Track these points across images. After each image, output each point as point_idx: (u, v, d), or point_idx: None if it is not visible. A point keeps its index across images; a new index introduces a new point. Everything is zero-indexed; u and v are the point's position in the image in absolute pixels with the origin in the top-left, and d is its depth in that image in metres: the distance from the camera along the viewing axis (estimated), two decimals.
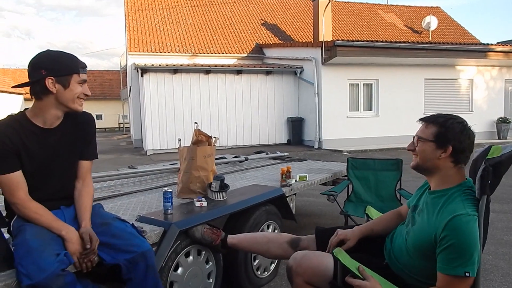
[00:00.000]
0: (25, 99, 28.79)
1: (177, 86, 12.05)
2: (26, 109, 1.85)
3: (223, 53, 15.63)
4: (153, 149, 11.79)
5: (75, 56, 1.84)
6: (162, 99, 11.87)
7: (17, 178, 1.74)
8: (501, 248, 3.53)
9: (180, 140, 2.99)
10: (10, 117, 1.81)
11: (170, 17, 16.99)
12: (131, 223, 1.94)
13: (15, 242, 1.66)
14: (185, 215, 2.36)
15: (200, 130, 2.88)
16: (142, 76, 11.81)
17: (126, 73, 18.10)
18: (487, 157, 1.57)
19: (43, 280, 1.48)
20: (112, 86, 35.31)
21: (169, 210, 2.32)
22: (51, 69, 1.74)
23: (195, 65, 12.58)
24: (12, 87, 2.15)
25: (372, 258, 1.80)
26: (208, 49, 15.65)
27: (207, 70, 12.35)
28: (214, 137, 2.90)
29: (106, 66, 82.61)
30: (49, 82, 1.73)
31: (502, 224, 4.28)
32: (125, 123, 28.68)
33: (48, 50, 1.83)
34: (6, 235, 1.84)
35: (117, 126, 32.27)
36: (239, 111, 12.79)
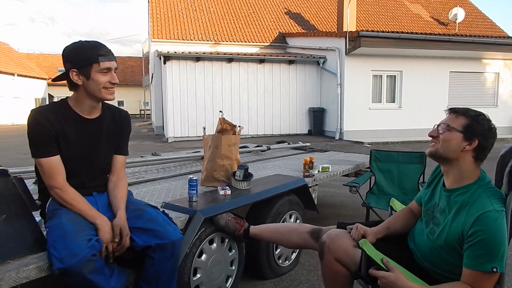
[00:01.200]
0: (49, 85, 29.46)
1: (199, 74, 12.10)
2: (67, 97, 1.90)
3: (245, 42, 15.56)
4: (174, 137, 11.93)
5: (98, 45, 1.83)
6: (184, 86, 11.95)
7: (57, 162, 1.79)
8: None
9: (204, 129, 3.01)
10: (53, 103, 1.87)
11: (194, 4, 16.99)
12: (161, 210, 1.99)
13: (49, 224, 1.72)
14: (210, 203, 2.39)
15: (225, 119, 2.89)
16: (164, 63, 11.90)
17: (148, 60, 18.28)
18: None
19: (74, 264, 1.53)
20: (134, 72, 35.66)
21: (194, 198, 2.36)
22: (73, 62, 1.78)
23: (218, 53, 12.59)
24: (52, 80, 2.20)
25: (397, 249, 1.80)
26: (230, 37, 15.61)
27: (230, 59, 12.35)
28: (239, 126, 2.92)
29: (129, 53, 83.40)
30: (73, 75, 1.79)
31: None
32: (146, 110, 29.03)
33: (75, 42, 1.86)
34: (37, 218, 1.90)
35: (138, 113, 32.68)
36: (260, 101, 12.77)
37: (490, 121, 1.62)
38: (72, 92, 1.88)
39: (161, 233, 1.83)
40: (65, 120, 1.82)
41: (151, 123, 20.27)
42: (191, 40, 14.89)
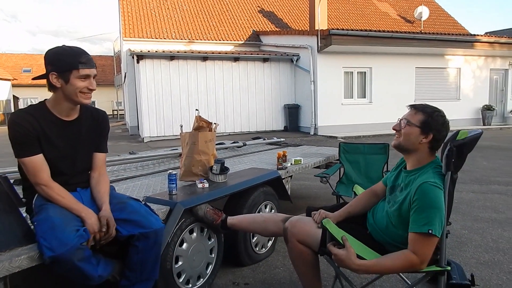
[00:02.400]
0: (13, 86, 28.16)
1: (174, 72, 12.14)
2: (45, 99, 1.99)
3: (219, 40, 15.68)
4: (150, 136, 11.93)
5: (80, 52, 1.91)
6: (159, 85, 11.96)
7: (41, 161, 1.89)
8: (476, 224, 3.86)
9: (181, 126, 3.15)
10: (31, 106, 1.96)
11: (166, 2, 16.92)
12: (143, 203, 2.13)
13: (37, 218, 1.81)
14: (189, 195, 2.54)
15: (201, 116, 3.05)
16: (138, 62, 11.87)
17: (120, 58, 18.07)
18: (454, 139, 1.81)
19: (64, 252, 1.65)
20: (105, 72, 34.51)
21: (173, 191, 2.51)
22: (54, 65, 1.87)
23: (192, 52, 12.66)
24: (32, 79, 2.28)
25: (357, 226, 2.04)
26: (204, 36, 15.67)
27: (204, 57, 12.44)
28: (215, 123, 3.08)
29: (99, 51, 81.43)
30: (53, 78, 1.87)
31: (479, 203, 4.64)
32: (120, 110, 28.51)
33: (59, 46, 1.95)
34: (24, 214, 1.99)
35: (111, 114, 31.92)
36: (236, 98, 12.93)
37: (444, 116, 1.88)
38: (49, 94, 1.97)
39: (144, 223, 1.96)
40: (44, 122, 1.91)
41: (125, 123, 20.05)
42: (165, 38, 14.86)
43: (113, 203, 2.01)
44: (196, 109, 3.35)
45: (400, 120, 1.93)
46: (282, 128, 13.60)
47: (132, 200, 2.10)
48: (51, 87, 1.91)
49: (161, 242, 2.06)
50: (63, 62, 1.87)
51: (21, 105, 27.73)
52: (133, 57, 12.57)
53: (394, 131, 1.95)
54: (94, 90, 1.97)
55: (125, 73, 14.65)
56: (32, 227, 1.85)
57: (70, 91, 1.89)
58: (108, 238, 1.90)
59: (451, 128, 1.89)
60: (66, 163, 2.00)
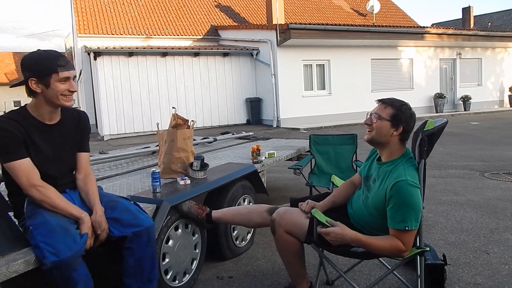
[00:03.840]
0: None
1: (133, 69, 11.89)
2: (26, 104, 1.97)
3: (178, 35, 15.47)
4: (110, 134, 11.64)
5: (57, 55, 1.91)
6: (118, 82, 11.67)
7: (30, 163, 1.87)
8: (440, 207, 4.13)
9: (158, 124, 3.16)
10: (13, 111, 1.93)
11: None
12: (132, 202, 2.15)
13: (32, 222, 1.78)
14: (173, 192, 2.58)
15: (178, 114, 3.07)
16: (95, 59, 11.51)
17: (73, 55, 17.38)
18: (423, 129, 1.97)
19: (70, 257, 1.65)
20: None
21: (157, 189, 2.54)
22: (32, 71, 1.85)
23: (151, 48, 12.41)
24: (10, 87, 2.22)
25: (340, 216, 2.17)
26: (162, 31, 15.40)
27: (164, 53, 12.26)
28: (192, 121, 3.12)
29: (47, 48, 77.26)
30: (32, 83, 1.86)
31: (440, 187, 4.94)
32: (75, 108, 27.34)
33: (34, 51, 1.92)
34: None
35: None
36: (197, 93, 12.87)
37: (411, 108, 2.02)
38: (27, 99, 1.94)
39: (135, 222, 1.98)
40: (28, 127, 1.89)
41: None
42: (121, 34, 14.47)
43: (104, 202, 2.03)
44: (173, 107, 3.36)
45: (371, 114, 2.03)
46: (245, 122, 13.70)
47: (121, 198, 2.13)
48: (31, 92, 1.90)
49: (154, 239, 2.09)
50: (42, 66, 1.85)
51: None
52: (89, 54, 12.15)
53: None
54: (75, 91, 1.97)
55: (81, 70, 14.11)
56: (23, 231, 1.83)
57: (51, 95, 1.88)
58: (98, 243, 1.91)
59: None
60: (53, 166, 1.99)
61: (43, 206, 1.84)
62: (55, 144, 1.99)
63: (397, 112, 1.96)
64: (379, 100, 2.06)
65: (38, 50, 1.93)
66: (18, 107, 1.98)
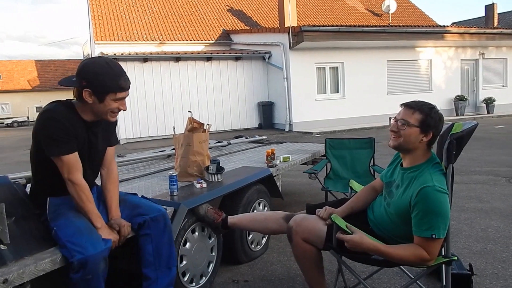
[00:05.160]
0: None
1: (148, 74, 12.04)
2: (72, 100, 1.96)
3: (191, 40, 15.58)
4: (126, 138, 11.79)
5: (120, 74, 1.87)
6: (133, 88, 11.77)
7: (76, 159, 1.88)
8: (463, 214, 3.96)
9: (174, 128, 3.19)
10: (60, 105, 1.91)
11: (135, 5, 16.66)
12: (140, 196, 2.21)
13: (56, 224, 1.83)
14: (190, 196, 2.60)
15: (193, 118, 3.10)
16: None
17: None
18: (451, 133, 1.90)
19: (95, 254, 1.69)
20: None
21: (175, 192, 2.57)
22: (91, 84, 1.82)
23: (165, 53, 12.55)
24: (59, 83, 2.20)
25: (360, 223, 2.12)
26: (175, 36, 15.54)
27: (177, 58, 12.39)
28: (208, 124, 3.14)
29: (67, 55, 79.04)
30: (86, 94, 1.83)
31: (463, 193, 4.74)
32: None
33: (96, 60, 1.88)
34: None
35: None
36: (210, 98, 12.95)
37: (438, 111, 1.93)
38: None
39: (151, 209, 2.06)
40: (74, 121, 1.89)
41: None
42: (136, 40, 14.65)
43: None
44: (189, 111, 3.39)
45: (396, 120, 1.92)
46: (257, 126, 13.71)
47: (129, 195, 2.18)
48: (79, 98, 1.87)
49: (170, 225, 2.14)
50: (101, 83, 1.82)
51: None
52: None
53: (392, 132, 1.96)
54: (125, 110, 1.97)
55: None
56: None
57: (101, 110, 1.88)
58: (123, 238, 1.96)
59: None
60: (88, 161, 2.02)
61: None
62: (92, 141, 2.01)
63: (426, 118, 1.87)
64: (405, 105, 1.94)
65: (101, 58, 1.90)
66: (64, 100, 1.96)
